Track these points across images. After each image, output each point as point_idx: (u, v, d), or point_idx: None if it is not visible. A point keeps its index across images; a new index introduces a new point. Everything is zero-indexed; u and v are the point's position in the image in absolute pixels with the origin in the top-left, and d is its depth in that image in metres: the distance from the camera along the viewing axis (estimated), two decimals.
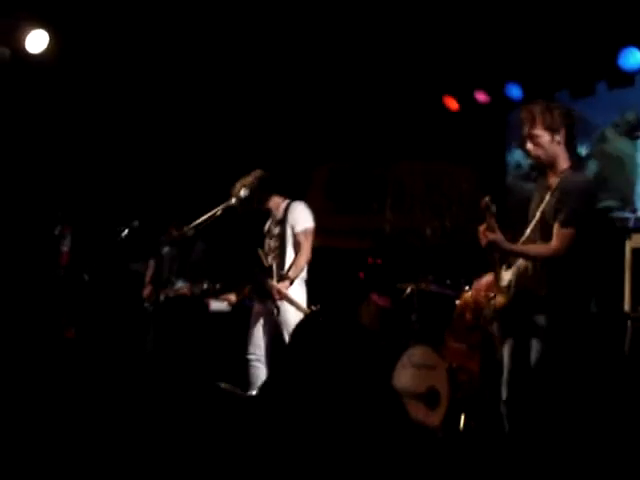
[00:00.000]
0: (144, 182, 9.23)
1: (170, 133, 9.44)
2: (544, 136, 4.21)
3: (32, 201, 8.51)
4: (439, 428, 5.79)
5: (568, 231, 4.09)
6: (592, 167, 8.43)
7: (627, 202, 8.09)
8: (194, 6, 7.88)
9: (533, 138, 4.23)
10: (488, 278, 4.54)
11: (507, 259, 4.33)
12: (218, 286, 6.86)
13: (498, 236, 4.10)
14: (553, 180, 4.27)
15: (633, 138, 7.99)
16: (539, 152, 4.25)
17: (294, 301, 5.66)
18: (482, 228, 4.12)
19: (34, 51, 7.56)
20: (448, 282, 7.04)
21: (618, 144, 8.37)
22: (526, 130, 4.23)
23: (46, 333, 6.65)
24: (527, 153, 4.33)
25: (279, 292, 5.66)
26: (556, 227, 4.11)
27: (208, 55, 8.70)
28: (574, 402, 4.49)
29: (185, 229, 6.98)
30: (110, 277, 7.78)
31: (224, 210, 5.78)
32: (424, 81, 9.08)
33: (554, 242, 4.11)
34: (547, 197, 4.22)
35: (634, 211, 7.98)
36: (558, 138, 4.22)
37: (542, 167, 4.33)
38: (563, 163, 4.27)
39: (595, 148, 8.48)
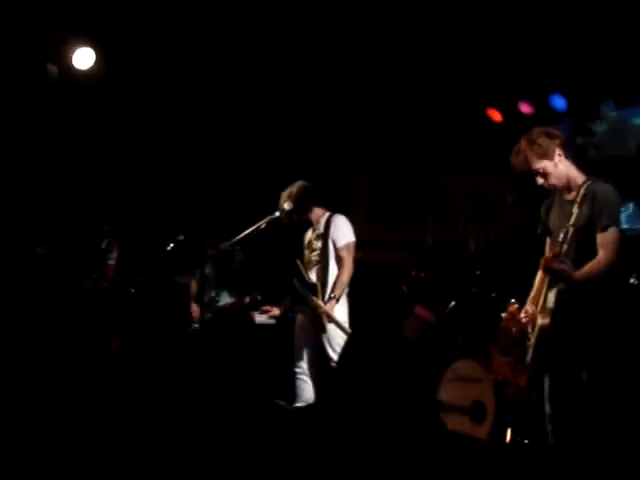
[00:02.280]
0: (190, 196, 9.31)
1: (216, 148, 9.52)
2: (546, 165, 4.25)
3: (80, 214, 8.64)
4: (486, 441, 5.74)
5: (614, 237, 4.10)
6: None
7: None
8: (233, 27, 7.97)
9: (539, 173, 4.26)
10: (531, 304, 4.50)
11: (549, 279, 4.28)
12: (259, 298, 6.89)
13: (567, 266, 4.06)
14: (573, 194, 4.29)
15: None
16: (552, 181, 4.31)
17: (340, 324, 5.64)
18: (549, 255, 4.06)
19: (81, 68, 7.69)
20: (493, 295, 6.99)
21: None
22: (529, 170, 4.30)
23: (91, 345, 6.73)
24: (542, 188, 4.33)
25: (327, 316, 5.65)
26: (602, 236, 4.09)
27: (251, 69, 8.77)
28: (620, 417, 4.43)
29: (221, 245, 7.07)
30: (156, 290, 7.85)
31: (268, 223, 5.83)
32: (468, 93, 9.05)
33: (605, 251, 4.09)
34: (575, 210, 4.19)
35: None
36: (557, 159, 4.26)
37: (561, 189, 4.36)
38: (577, 176, 4.33)
39: None
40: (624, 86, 8.23)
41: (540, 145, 4.25)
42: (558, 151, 4.28)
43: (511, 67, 8.45)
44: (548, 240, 4.57)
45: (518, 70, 8.50)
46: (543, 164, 4.24)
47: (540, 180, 4.28)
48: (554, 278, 4.11)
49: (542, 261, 4.11)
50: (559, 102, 8.67)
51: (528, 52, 8.15)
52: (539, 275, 4.59)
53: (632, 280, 6.16)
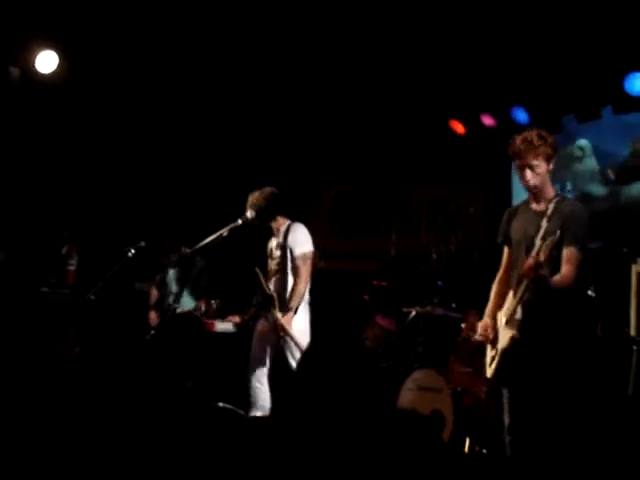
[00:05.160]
0: (151, 202, 9.26)
1: (178, 154, 9.48)
2: (542, 165, 4.29)
3: (40, 220, 8.54)
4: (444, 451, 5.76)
5: (578, 254, 4.16)
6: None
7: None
8: (200, 31, 7.94)
9: (533, 168, 4.28)
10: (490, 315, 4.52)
11: (516, 290, 4.30)
12: (214, 303, 6.86)
13: (544, 273, 4.09)
14: (542, 206, 4.34)
15: None
16: (537, 181, 4.32)
17: (293, 337, 5.62)
18: (532, 262, 4.06)
19: (44, 71, 7.61)
20: (453, 305, 7.04)
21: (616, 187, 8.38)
22: (526, 160, 4.27)
23: (50, 351, 6.65)
24: (524, 182, 4.35)
25: (283, 329, 5.64)
26: (566, 251, 4.13)
27: (216, 75, 8.74)
28: (578, 429, 4.47)
29: (183, 250, 7.03)
30: (116, 297, 7.79)
31: (231, 230, 5.80)
32: (431, 105, 9.12)
33: (569, 267, 4.14)
34: (544, 223, 4.24)
35: None
36: (551, 166, 4.33)
37: (534, 194, 4.38)
38: (551, 190, 4.40)
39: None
40: (586, 100, 8.35)
41: (550, 146, 4.29)
42: (553, 161, 4.33)
43: (474, 80, 8.53)
44: (506, 249, 4.59)
45: (481, 83, 8.58)
46: (541, 163, 4.27)
47: (529, 175, 4.29)
48: (534, 285, 4.11)
49: (522, 269, 4.10)
50: (521, 115, 8.77)
51: (491, 65, 8.23)
52: (496, 287, 4.62)
53: (590, 292, 6.25)
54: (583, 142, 8.69)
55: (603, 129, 8.43)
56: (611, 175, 8.43)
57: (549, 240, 3.95)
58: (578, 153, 8.67)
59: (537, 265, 3.97)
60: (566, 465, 4.11)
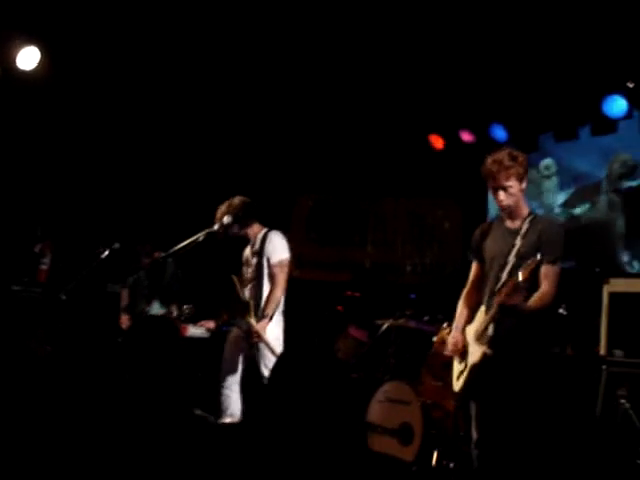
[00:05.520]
0: (127, 204, 9.22)
1: (154, 157, 9.46)
2: (515, 185, 4.31)
3: (14, 217, 8.47)
4: (412, 463, 5.78)
5: (557, 271, 4.20)
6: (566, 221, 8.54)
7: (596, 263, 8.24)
8: (177, 35, 7.93)
9: (506, 189, 4.30)
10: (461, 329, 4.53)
11: (487, 306, 4.32)
12: (186, 308, 6.84)
13: (519, 300, 4.11)
14: (517, 224, 4.37)
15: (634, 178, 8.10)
16: (510, 201, 4.34)
17: (269, 344, 5.61)
18: (506, 292, 4.07)
19: (25, 68, 7.56)
20: (426, 318, 7.06)
21: (593, 209, 8.47)
22: (499, 181, 4.30)
23: (20, 350, 6.58)
24: (498, 202, 4.38)
25: (257, 335, 5.62)
26: (545, 268, 4.16)
27: (195, 82, 8.73)
28: (546, 446, 4.50)
29: (156, 255, 7.00)
30: (88, 298, 7.73)
31: (206, 236, 5.79)
32: (411, 119, 9.18)
33: (549, 284, 4.17)
34: (518, 241, 4.27)
35: None
36: (524, 185, 4.36)
37: (508, 213, 4.41)
38: (525, 208, 4.42)
39: (573, 207, 8.61)
40: (564, 120, 8.44)
41: (521, 165, 4.32)
42: (525, 179, 4.36)
43: (455, 96, 8.59)
44: (475, 264, 4.61)
45: (461, 99, 8.65)
46: (514, 183, 4.29)
47: (502, 196, 4.32)
48: (507, 312, 4.12)
49: (498, 298, 4.11)
50: (499, 132, 8.85)
51: (471, 82, 8.30)
52: (463, 302, 4.64)
53: (561, 310, 6.30)
54: (548, 161, 8.78)
55: (580, 149, 8.53)
56: None
57: (530, 261, 3.95)
58: (545, 172, 8.76)
59: (513, 292, 4.01)
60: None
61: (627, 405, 5.23)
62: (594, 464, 5.08)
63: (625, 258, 8.09)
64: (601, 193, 8.38)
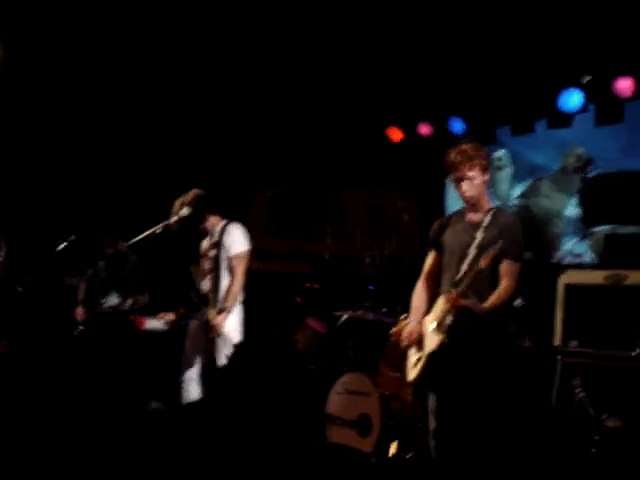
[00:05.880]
0: (84, 196, 9.12)
1: (110, 149, 9.37)
2: (478, 177, 4.35)
3: None
4: (371, 454, 5.82)
5: (517, 268, 4.24)
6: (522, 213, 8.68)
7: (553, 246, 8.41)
8: (139, 28, 7.87)
9: (470, 179, 4.34)
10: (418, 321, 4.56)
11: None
12: (142, 297, 6.80)
13: (472, 301, 4.13)
14: (478, 217, 4.41)
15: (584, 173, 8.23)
16: (474, 192, 4.37)
17: (226, 338, 5.58)
18: (456, 294, 4.10)
19: None
20: (384, 310, 7.09)
21: (548, 200, 8.61)
22: (463, 172, 4.33)
23: None
24: (461, 193, 4.42)
25: (215, 328, 5.60)
26: (506, 264, 4.20)
27: (154, 74, 8.67)
28: (503, 436, 4.54)
29: (119, 245, 6.95)
30: (45, 290, 7.65)
31: (164, 228, 5.75)
32: (370, 112, 9.21)
33: (508, 279, 4.20)
34: (479, 234, 4.30)
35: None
36: (487, 177, 4.40)
37: (471, 205, 4.44)
38: (486, 201, 4.47)
39: (529, 199, 8.75)
40: (521, 114, 8.52)
41: (484, 158, 4.37)
42: (488, 172, 4.41)
43: (413, 89, 8.64)
44: (432, 254, 4.63)
45: (419, 92, 8.70)
46: (477, 174, 4.33)
47: (465, 187, 4.35)
48: (461, 312, 4.15)
49: (448, 299, 4.13)
50: (457, 125, 8.92)
51: (430, 75, 8.35)
52: (419, 292, 4.66)
53: (517, 302, 6.37)
54: (500, 152, 8.88)
55: (536, 142, 8.63)
56: None
57: (492, 249, 3.99)
58: (497, 163, 8.86)
59: (460, 295, 4.05)
60: (489, 470, 4.18)
61: (582, 394, 5.31)
62: (550, 453, 5.15)
63: (581, 249, 8.22)
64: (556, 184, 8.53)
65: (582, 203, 8.31)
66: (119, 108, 9.07)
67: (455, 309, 4.12)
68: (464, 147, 4.37)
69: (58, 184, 9.09)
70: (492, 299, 4.16)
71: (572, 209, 8.33)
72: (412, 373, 4.48)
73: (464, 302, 4.08)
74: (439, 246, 4.55)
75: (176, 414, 5.53)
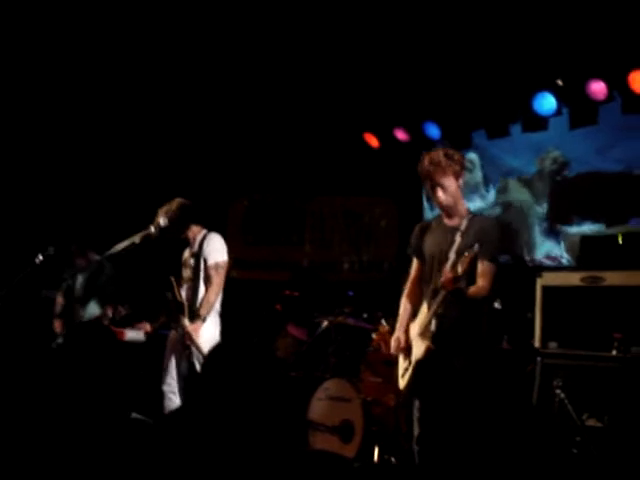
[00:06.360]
0: (62, 206, 9.06)
1: (87, 160, 9.31)
2: (452, 184, 4.36)
3: None
4: (354, 459, 5.82)
5: (494, 268, 4.25)
6: (495, 212, 8.77)
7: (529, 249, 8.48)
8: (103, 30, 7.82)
9: (444, 187, 4.35)
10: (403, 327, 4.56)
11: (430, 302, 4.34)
12: (122, 309, 6.77)
13: (462, 285, 4.13)
14: (456, 222, 4.42)
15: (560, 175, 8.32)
16: (449, 199, 4.38)
17: (200, 348, 5.56)
18: (451, 275, 4.08)
19: None
20: (365, 316, 7.10)
21: (519, 194, 8.70)
22: (436, 180, 4.34)
23: None
24: (436, 201, 4.42)
25: (189, 337, 5.58)
26: (486, 266, 4.21)
27: (129, 82, 8.63)
28: (486, 439, 4.56)
29: (91, 256, 6.91)
30: (23, 304, 7.59)
31: (143, 238, 5.73)
32: (346, 118, 9.23)
33: (485, 281, 4.22)
34: (458, 238, 4.31)
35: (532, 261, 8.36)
36: (460, 182, 4.40)
37: (447, 212, 4.45)
38: (463, 206, 4.48)
39: (497, 196, 8.83)
40: (495, 118, 8.58)
41: (457, 163, 4.35)
42: (462, 177, 4.41)
43: (389, 95, 8.67)
44: (416, 262, 4.64)
45: (395, 98, 8.73)
46: (451, 182, 4.33)
47: (440, 194, 4.35)
48: (452, 297, 4.14)
49: (442, 281, 4.11)
50: (433, 130, 8.96)
51: (405, 81, 8.38)
52: (405, 300, 4.67)
53: (496, 305, 6.41)
54: (472, 155, 8.94)
55: (512, 146, 8.70)
56: None
57: (468, 253, 3.98)
58: (468, 165, 8.94)
59: (456, 278, 4.03)
60: (473, 474, 4.19)
61: (562, 395, 5.35)
62: (532, 454, 5.18)
63: (557, 251, 8.29)
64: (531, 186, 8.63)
65: (555, 204, 8.39)
66: (94, 119, 9.02)
67: (448, 291, 4.10)
68: (435, 155, 4.36)
69: (35, 196, 9.02)
70: (472, 289, 4.19)
71: (543, 209, 8.45)
72: (402, 382, 4.48)
73: (458, 285, 4.07)
74: (420, 252, 4.56)
75: (158, 424, 5.50)
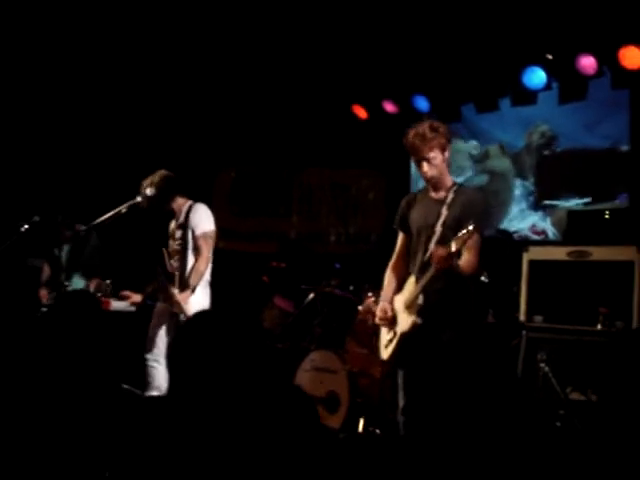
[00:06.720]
0: (46, 177, 9.00)
1: (73, 130, 9.24)
2: (438, 157, 4.32)
3: None
4: (339, 430, 5.85)
5: (480, 241, 4.23)
6: (480, 180, 8.81)
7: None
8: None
9: (429, 160, 4.32)
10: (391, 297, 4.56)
11: (418, 276, 4.34)
12: (105, 285, 6.75)
13: (456, 262, 4.12)
14: (442, 194, 4.40)
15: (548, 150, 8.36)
16: (434, 172, 4.35)
17: (189, 317, 5.55)
18: (444, 253, 4.04)
19: None
20: (351, 288, 7.12)
21: (500, 162, 8.73)
22: (422, 154, 4.31)
23: None
24: (422, 174, 4.40)
25: (179, 306, 5.58)
26: (470, 239, 4.19)
27: (117, 54, 8.55)
28: (471, 412, 4.59)
29: (77, 227, 6.88)
30: (8, 272, 7.56)
31: (129, 208, 5.72)
32: (334, 90, 9.18)
33: (472, 254, 4.20)
34: (444, 211, 4.31)
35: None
36: (447, 155, 4.38)
37: (433, 184, 4.43)
38: (449, 178, 4.45)
39: (479, 164, 8.87)
40: (485, 91, 8.56)
41: (442, 136, 4.31)
42: (448, 149, 4.38)
43: (377, 67, 8.63)
44: (401, 235, 4.64)
45: (384, 70, 8.69)
46: (436, 154, 4.29)
47: (425, 167, 4.31)
48: (443, 273, 4.11)
49: (435, 259, 4.08)
50: (422, 103, 8.94)
51: (394, 53, 8.33)
52: (390, 272, 4.67)
53: (482, 278, 6.43)
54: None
55: (501, 119, 8.69)
56: None
57: (464, 232, 3.94)
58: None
59: (450, 255, 4.02)
60: (458, 444, 4.23)
61: (547, 369, 5.39)
62: (516, 427, 5.22)
63: (543, 225, 8.33)
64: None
65: (542, 178, 8.42)
66: (80, 88, 8.93)
67: (442, 267, 4.08)
68: (421, 128, 4.32)
69: (19, 165, 8.95)
70: (462, 265, 4.19)
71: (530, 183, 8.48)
72: (385, 352, 4.49)
73: (451, 262, 4.05)
74: (406, 225, 4.55)
75: (145, 395, 5.51)
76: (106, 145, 9.44)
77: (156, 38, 8.36)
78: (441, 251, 4.05)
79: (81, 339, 3.85)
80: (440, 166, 4.35)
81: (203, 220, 5.84)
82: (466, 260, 4.20)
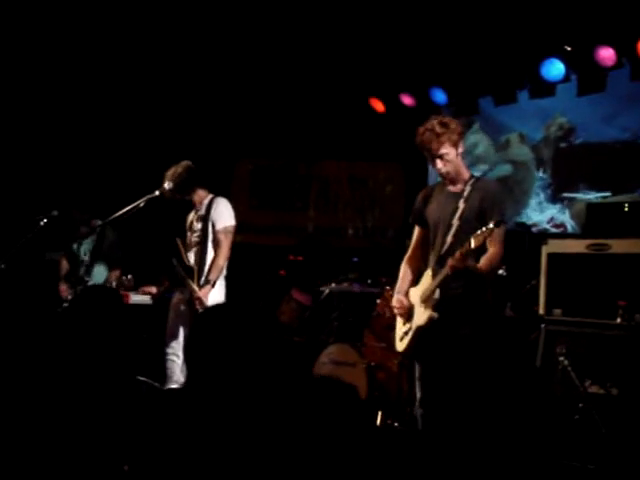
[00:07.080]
0: (65, 171, 9.05)
1: (92, 125, 9.28)
2: (451, 152, 4.29)
3: None
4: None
5: (502, 231, 4.18)
6: (504, 170, 8.77)
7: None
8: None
9: (442, 156, 4.29)
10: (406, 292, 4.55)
11: (434, 270, 4.32)
12: (126, 279, 6.78)
13: (472, 262, 4.12)
14: (459, 188, 4.37)
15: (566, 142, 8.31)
16: (449, 168, 4.33)
17: None
18: (459, 255, 4.03)
19: None
20: (369, 281, 7.11)
21: (520, 150, 8.69)
22: (434, 150, 4.28)
23: None
24: (437, 170, 4.38)
25: (200, 302, 5.59)
26: (494, 231, 4.17)
27: (131, 46, 8.56)
28: (489, 406, 4.58)
29: (93, 222, 6.91)
30: (27, 266, 7.60)
31: (147, 202, 5.74)
32: (352, 83, 9.17)
33: (495, 247, 4.18)
34: (461, 204, 4.28)
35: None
36: (460, 150, 4.35)
37: (450, 180, 4.41)
38: (465, 171, 4.42)
39: (501, 153, 8.83)
40: (503, 84, 8.52)
41: (454, 132, 4.28)
42: (461, 144, 4.36)
43: (395, 60, 8.60)
44: (418, 229, 4.63)
45: (402, 63, 8.66)
46: (449, 150, 4.27)
47: (439, 164, 4.29)
48: (459, 274, 4.10)
49: (452, 263, 4.05)
50: (439, 96, 8.91)
51: (412, 46, 8.30)
52: (406, 265, 4.65)
53: (501, 271, 6.40)
54: None
55: (520, 112, 8.64)
56: None
57: (484, 229, 3.90)
58: None
59: (467, 253, 4.00)
60: (477, 437, 4.21)
61: (566, 362, 5.36)
62: (535, 420, 5.20)
63: (562, 218, 8.28)
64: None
65: (560, 170, 8.38)
66: (97, 82, 8.96)
67: (456, 270, 4.07)
68: (431, 125, 4.29)
69: (38, 159, 9.00)
70: (484, 262, 4.17)
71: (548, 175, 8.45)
72: (401, 345, 4.48)
73: (467, 264, 4.05)
74: (423, 220, 4.53)
75: (164, 388, 5.53)
76: (123, 139, 9.47)
77: (175, 30, 8.38)
78: (457, 254, 4.03)
79: (103, 334, 3.87)
80: (454, 161, 4.31)
81: (225, 215, 5.85)
82: (490, 253, 4.17)
